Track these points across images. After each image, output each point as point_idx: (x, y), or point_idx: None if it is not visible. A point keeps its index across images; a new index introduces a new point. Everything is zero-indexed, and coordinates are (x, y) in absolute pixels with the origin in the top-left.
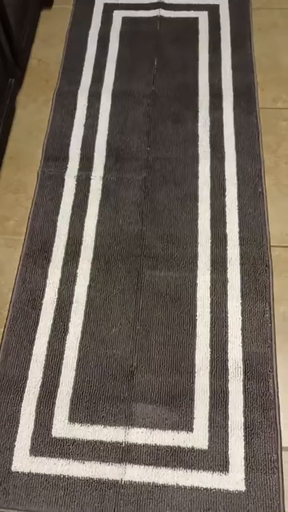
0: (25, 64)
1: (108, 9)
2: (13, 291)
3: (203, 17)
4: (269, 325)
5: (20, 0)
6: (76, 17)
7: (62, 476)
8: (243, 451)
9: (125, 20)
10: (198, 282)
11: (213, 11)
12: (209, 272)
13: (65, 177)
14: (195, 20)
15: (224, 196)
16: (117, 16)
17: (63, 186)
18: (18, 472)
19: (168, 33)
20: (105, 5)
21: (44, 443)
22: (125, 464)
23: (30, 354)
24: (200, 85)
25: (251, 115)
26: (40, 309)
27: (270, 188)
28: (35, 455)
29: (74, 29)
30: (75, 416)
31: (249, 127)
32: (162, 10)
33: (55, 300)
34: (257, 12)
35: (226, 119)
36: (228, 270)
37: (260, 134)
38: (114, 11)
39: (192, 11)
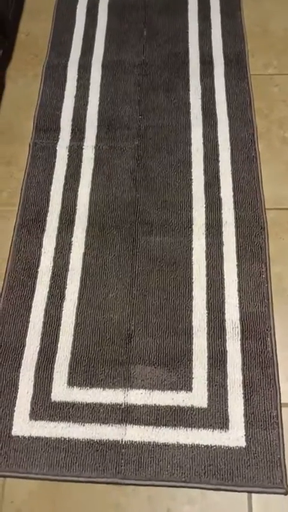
0: (13, 36)
1: None
2: (8, 261)
3: None
4: (266, 285)
5: None
6: None
7: (62, 438)
8: (242, 408)
9: None
10: (193, 246)
11: None
12: (204, 236)
13: (57, 148)
14: None
15: (218, 161)
16: None
17: (55, 157)
18: (18, 436)
19: (157, 3)
20: None
21: (44, 407)
22: (125, 425)
23: (28, 322)
24: (190, 53)
25: (242, 82)
26: (36, 278)
27: (263, 153)
28: (35, 419)
29: (62, 2)
30: (74, 380)
31: (240, 94)
32: None
33: (51, 268)
34: None
35: (217, 86)
36: (223, 234)
37: (252, 100)
38: None
39: None
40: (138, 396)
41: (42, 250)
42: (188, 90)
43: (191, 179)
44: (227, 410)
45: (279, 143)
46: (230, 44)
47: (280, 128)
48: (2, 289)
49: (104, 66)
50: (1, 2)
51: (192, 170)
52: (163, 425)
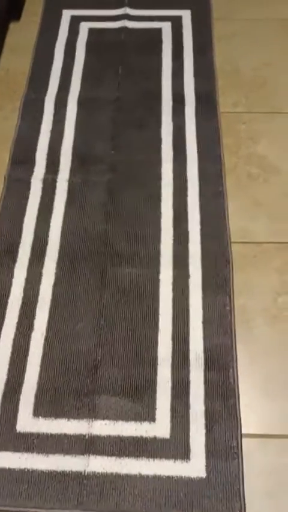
0: None
1: (75, 21)
2: None
3: (166, 28)
4: (229, 317)
5: None
6: (43, 29)
7: (25, 469)
8: (204, 438)
9: (91, 31)
10: (160, 278)
11: (176, 22)
12: (171, 268)
13: (32, 180)
14: (159, 30)
15: (186, 195)
16: (84, 27)
17: (29, 189)
18: None
19: (132, 43)
20: (72, 17)
21: (9, 438)
22: (89, 456)
23: None
24: (163, 91)
25: (212, 119)
26: (5, 308)
27: (230, 188)
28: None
29: (42, 40)
30: (39, 410)
31: (210, 131)
32: (127, 21)
33: (20, 298)
34: (218, 22)
35: (188, 123)
36: (189, 266)
37: (221, 137)
38: (81, 23)
39: (156, 22)
40: (102, 427)
41: (13, 280)
42: (160, 127)
43: (160, 213)
44: (188, 440)
45: (246, 179)
46: (201, 83)
47: (247, 164)
48: None
49: (80, 102)
50: None
51: (161, 204)
52: (126, 456)
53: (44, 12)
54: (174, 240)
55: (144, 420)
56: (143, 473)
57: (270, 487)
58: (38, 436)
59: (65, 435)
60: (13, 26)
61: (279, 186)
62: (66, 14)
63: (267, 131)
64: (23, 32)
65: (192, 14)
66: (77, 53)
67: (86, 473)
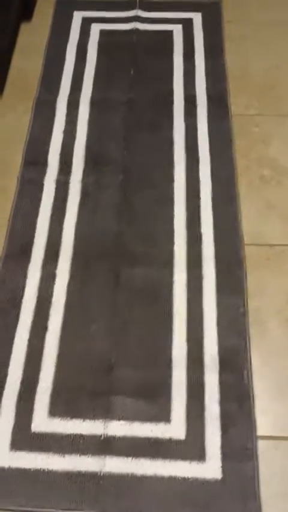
0: (5, 73)
1: (86, 22)
2: None
3: (177, 30)
4: (243, 319)
5: (1, 12)
6: (55, 30)
7: (41, 470)
8: (219, 440)
9: (102, 32)
10: (174, 279)
11: (187, 24)
12: (185, 269)
13: (45, 181)
14: (170, 32)
15: (199, 197)
16: (95, 28)
17: (42, 190)
18: None
19: (144, 45)
20: (83, 18)
21: (24, 437)
22: (105, 456)
23: (10, 352)
24: (175, 93)
25: (224, 121)
26: (20, 308)
27: (242, 190)
28: (15, 450)
29: (53, 40)
30: (54, 410)
31: (222, 133)
32: (138, 23)
33: (35, 298)
34: (229, 25)
35: (200, 125)
36: (203, 268)
37: (233, 139)
38: (92, 24)
39: (167, 24)
40: (118, 428)
41: (27, 281)
42: (172, 128)
43: (173, 215)
44: (204, 442)
45: (258, 181)
46: (213, 85)
47: (259, 166)
48: None
49: (92, 103)
50: None
51: (174, 205)
52: (142, 457)
53: (55, 13)
54: (188, 242)
55: (160, 421)
56: (158, 474)
57: (285, 488)
58: (54, 436)
59: (81, 435)
60: (24, 27)
61: None
62: (78, 15)
63: (280, 133)
64: (34, 33)
65: (203, 17)
66: (88, 54)
67: (102, 473)
